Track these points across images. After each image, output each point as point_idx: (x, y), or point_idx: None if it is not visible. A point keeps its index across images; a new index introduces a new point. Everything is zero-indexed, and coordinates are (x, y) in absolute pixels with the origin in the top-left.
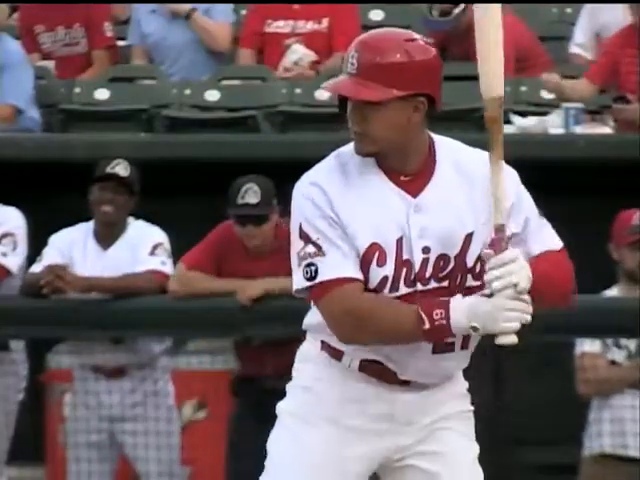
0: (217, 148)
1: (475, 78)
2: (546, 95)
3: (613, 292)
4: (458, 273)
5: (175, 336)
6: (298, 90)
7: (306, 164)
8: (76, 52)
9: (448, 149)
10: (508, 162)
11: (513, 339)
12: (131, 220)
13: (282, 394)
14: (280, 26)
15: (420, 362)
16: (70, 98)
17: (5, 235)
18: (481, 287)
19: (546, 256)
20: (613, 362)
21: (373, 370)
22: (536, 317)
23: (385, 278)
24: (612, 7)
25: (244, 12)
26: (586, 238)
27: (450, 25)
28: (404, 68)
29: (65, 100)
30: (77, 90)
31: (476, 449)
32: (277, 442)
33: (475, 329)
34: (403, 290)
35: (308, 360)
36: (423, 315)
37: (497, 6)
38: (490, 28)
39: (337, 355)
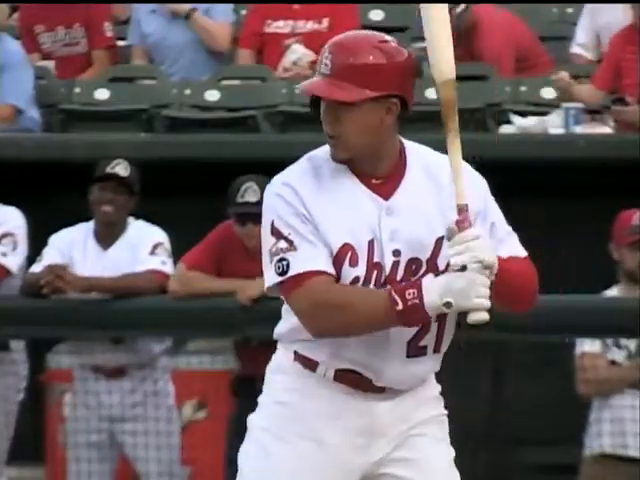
0: (217, 148)
1: (476, 78)
2: (546, 95)
3: (613, 292)
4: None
5: (175, 336)
6: (298, 90)
7: None
8: (76, 52)
9: (417, 154)
10: (508, 162)
11: (485, 316)
12: (131, 220)
13: None
14: (280, 26)
15: (395, 367)
16: (70, 98)
17: (5, 235)
18: None
19: (512, 259)
20: (613, 362)
21: (349, 379)
22: (536, 317)
23: (356, 279)
24: (612, 7)
25: (244, 12)
26: (586, 238)
27: (452, 24)
28: (377, 69)
29: (65, 100)
30: (77, 90)
31: (451, 452)
32: (248, 458)
33: (449, 305)
34: None
35: (280, 372)
36: (396, 296)
37: None
38: (436, 14)
39: (311, 365)
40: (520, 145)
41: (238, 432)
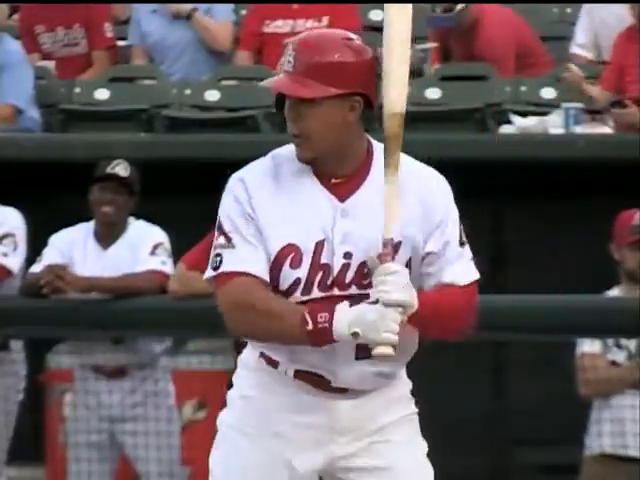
0: (217, 148)
1: (476, 78)
2: (546, 95)
3: (614, 292)
4: None
5: (175, 336)
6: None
7: None
8: (76, 52)
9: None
10: (508, 162)
11: (389, 351)
12: (131, 220)
13: None
14: (279, 26)
15: (347, 369)
16: (70, 98)
17: (6, 235)
18: None
19: (445, 289)
20: (614, 362)
21: (308, 379)
22: (536, 317)
23: (297, 280)
24: (609, 5)
25: (244, 12)
26: (586, 238)
27: (453, 21)
28: (342, 67)
29: (65, 100)
30: (77, 90)
31: (421, 450)
32: (217, 455)
33: (356, 335)
34: (316, 294)
35: (246, 368)
36: (307, 317)
37: (406, 20)
38: (397, 43)
39: (273, 364)
40: (520, 145)
41: None
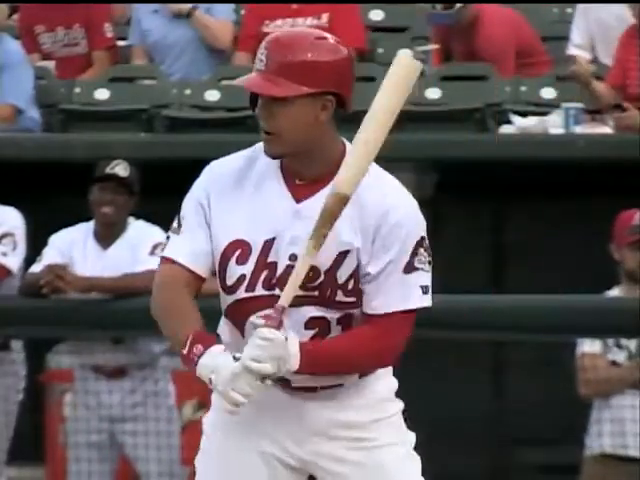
0: (217, 148)
1: (476, 78)
2: (546, 95)
3: (614, 292)
4: (328, 287)
5: None
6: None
7: None
8: (76, 53)
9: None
10: (508, 162)
11: (234, 410)
12: (131, 220)
13: None
14: (279, 25)
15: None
16: (70, 98)
17: (5, 235)
18: (353, 304)
19: (356, 331)
20: (614, 362)
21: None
22: (536, 317)
23: (242, 277)
24: (604, 5)
25: (244, 12)
26: (586, 238)
27: (453, 19)
28: (314, 66)
29: (65, 100)
30: (77, 90)
31: (402, 447)
32: (200, 452)
33: (210, 382)
34: (260, 291)
35: None
36: (189, 341)
37: (403, 91)
38: (373, 130)
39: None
40: (520, 145)
41: None
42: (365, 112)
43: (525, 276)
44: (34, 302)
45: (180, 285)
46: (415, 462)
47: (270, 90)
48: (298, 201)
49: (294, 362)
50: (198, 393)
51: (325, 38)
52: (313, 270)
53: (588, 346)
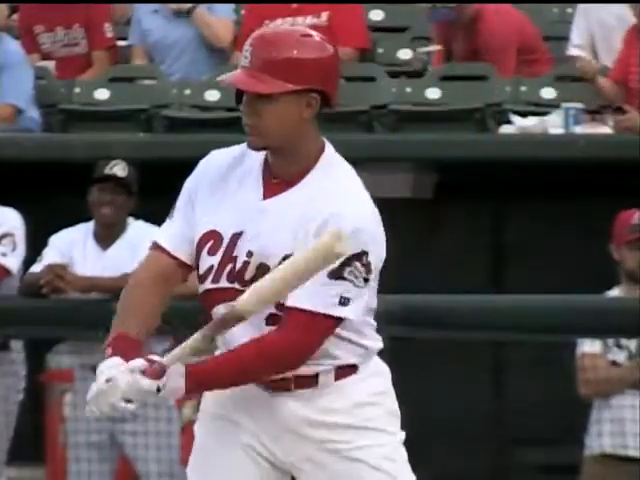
0: (217, 148)
1: (476, 78)
2: (546, 95)
3: (614, 292)
4: None
5: (175, 336)
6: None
7: None
8: (75, 53)
9: (328, 171)
10: (508, 162)
11: (93, 413)
12: (131, 220)
13: None
14: (279, 25)
15: None
16: (70, 98)
17: (5, 235)
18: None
19: (249, 342)
20: (614, 362)
21: None
22: (536, 317)
23: (211, 267)
24: (603, 4)
25: (244, 12)
26: (586, 238)
27: (453, 15)
28: (298, 63)
29: (65, 100)
30: (77, 90)
31: (372, 456)
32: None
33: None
34: (225, 284)
35: None
36: (112, 332)
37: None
38: (291, 275)
39: None
40: (520, 145)
41: None
42: (365, 112)
43: (525, 276)
44: (34, 302)
45: (152, 282)
46: (394, 463)
47: (255, 87)
48: (265, 198)
49: (177, 394)
50: None
51: (311, 35)
52: (263, 269)
53: (588, 346)
